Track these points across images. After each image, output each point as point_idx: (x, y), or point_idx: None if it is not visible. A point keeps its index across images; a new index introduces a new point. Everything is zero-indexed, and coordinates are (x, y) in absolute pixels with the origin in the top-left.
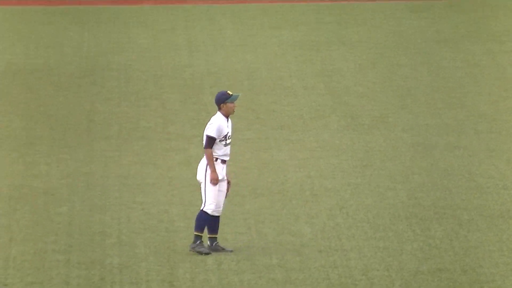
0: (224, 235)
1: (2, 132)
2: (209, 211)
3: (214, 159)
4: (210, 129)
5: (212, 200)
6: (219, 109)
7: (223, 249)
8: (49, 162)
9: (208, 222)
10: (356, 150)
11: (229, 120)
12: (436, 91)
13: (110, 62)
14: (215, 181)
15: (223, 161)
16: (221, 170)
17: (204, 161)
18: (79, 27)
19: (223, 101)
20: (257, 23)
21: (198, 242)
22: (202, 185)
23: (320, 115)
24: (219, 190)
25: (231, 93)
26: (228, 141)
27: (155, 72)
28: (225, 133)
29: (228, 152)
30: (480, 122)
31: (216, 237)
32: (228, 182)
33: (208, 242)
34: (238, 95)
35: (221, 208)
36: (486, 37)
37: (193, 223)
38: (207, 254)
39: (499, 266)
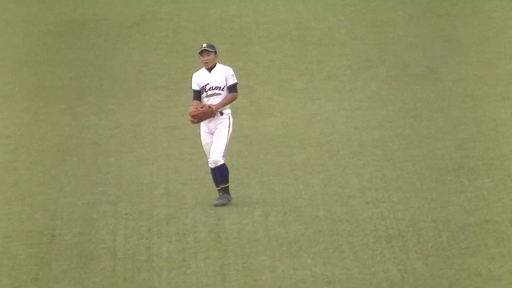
0: (272, 186)
1: (51, 84)
2: (209, 165)
3: None
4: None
5: (207, 155)
6: None
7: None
8: (98, 113)
9: (211, 175)
10: (405, 101)
11: (215, 71)
12: (486, 41)
13: (159, 12)
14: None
15: None
16: (207, 123)
17: None
18: None
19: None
20: None
21: (219, 194)
22: None
23: (369, 65)
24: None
25: (203, 46)
26: (209, 93)
27: (204, 22)
28: (202, 85)
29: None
30: None
31: (223, 188)
32: (209, 107)
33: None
34: (200, 49)
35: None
36: None
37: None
38: (222, 205)
39: None
